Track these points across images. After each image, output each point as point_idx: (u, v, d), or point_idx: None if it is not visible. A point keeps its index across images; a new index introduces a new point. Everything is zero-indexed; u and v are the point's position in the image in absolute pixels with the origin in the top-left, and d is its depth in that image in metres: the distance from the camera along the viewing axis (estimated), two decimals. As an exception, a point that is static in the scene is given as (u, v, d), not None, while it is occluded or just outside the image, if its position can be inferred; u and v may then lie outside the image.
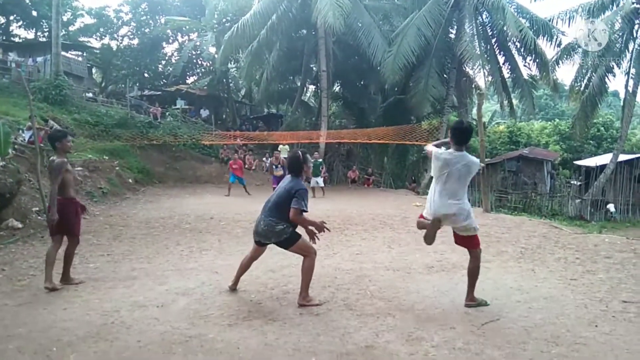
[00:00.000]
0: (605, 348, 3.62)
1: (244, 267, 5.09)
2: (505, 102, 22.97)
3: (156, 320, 4.24)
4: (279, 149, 22.73)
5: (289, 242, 4.62)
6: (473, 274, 4.58)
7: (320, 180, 15.96)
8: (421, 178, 23.63)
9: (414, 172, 26.14)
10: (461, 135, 4.50)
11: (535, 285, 5.35)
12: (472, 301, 4.57)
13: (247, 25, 21.34)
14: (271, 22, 21.70)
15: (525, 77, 23.11)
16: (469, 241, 4.59)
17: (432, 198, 4.54)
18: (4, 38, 30.21)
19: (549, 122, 39.92)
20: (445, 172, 4.41)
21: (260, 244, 4.89)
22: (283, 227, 4.57)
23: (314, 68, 26.91)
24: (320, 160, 16.55)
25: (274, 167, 14.80)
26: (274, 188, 13.85)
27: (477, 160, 4.58)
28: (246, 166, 22.37)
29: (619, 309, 4.52)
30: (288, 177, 4.78)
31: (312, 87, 32.03)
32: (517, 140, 35.61)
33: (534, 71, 23.12)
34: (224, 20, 28.50)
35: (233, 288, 5.09)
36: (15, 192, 8.72)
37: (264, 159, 23.34)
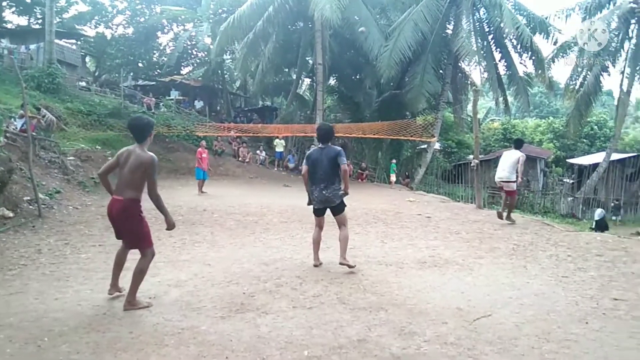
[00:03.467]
0: (595, 345, 3.65)
1: (318, 242, 5.82)
2: (501, 99, 22.99)
3: (148, 312, 4.23)
4: (274, 142, 22.71)
5: (342, 206, 5.57)
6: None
7: None
8: (415, 174, 23.66)
9: (408, 168, 26.17)
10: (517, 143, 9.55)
11: (527, 282, 5.38)
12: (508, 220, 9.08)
13: (243, 16, 21.18)
14: (267, 14, 21.53)
15: (521, 74, 23.18)
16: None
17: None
18: (-4, 24, 29.77)
19: (543, 120, 40.03)
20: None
21: (321, 213, 5.77)
22: (340, 189, 5.52)
23: (310, 61, 26.81)
24: None
25: None
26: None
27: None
28: (240, 158, 22.33)
29: (610, 307, 4.56)
30: (319, 149, 5.66)
31: (307, 81, 31.95)
32: (511, 137, 35.60)
33: (530, 69, 23.23)
34: (220, 10, 28.28)
35: (319, 263, 5.78)
36: (7, 181, 8.63)
37: (258, 151, 23.28)
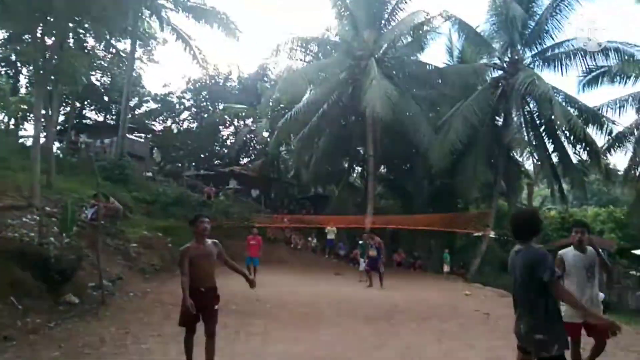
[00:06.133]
0: None
1: None
2: (556, 188, 22.51)
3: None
4: (326, 230, 22.91)
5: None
6: None
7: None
8: (470, 264, 22.94)
9: (463, 257, 25.44)
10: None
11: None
12: None
13: (299, 113, 22.55)
14: (322, 111, 22.80)
15: (575, 162, 22.73)
16: None
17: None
18: (77, 121, 32.89)
19: (603, 209, 38.32)
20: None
21: (525, 352, 3.44)
22: (542, 337, 3.21)
23: (361, 151, 27.61)
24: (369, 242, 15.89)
25: (369, 246, 14.21)
26: (367, 271, 13.04)
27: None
28: (292, 245, 22.60)
29: None
30: (515, 252, 3.52)
31: (358, 169, 32.70)
32: (569, 226, 34.13)
33: (585, 157, 22.73)
34: (278, 107, 30.13)
35: None
36: (76, 268, 9.16)
37: (309, 238, 23.50)
